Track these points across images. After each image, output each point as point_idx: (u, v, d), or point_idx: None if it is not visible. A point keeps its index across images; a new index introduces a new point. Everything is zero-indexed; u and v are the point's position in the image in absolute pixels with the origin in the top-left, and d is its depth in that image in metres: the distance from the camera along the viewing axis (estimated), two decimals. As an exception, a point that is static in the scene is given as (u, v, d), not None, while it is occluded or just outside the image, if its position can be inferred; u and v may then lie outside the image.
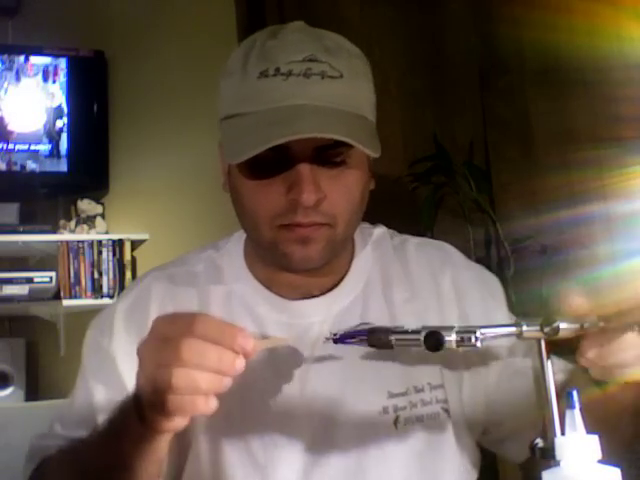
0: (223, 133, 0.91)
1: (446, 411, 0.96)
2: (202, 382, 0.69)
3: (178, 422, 0.74)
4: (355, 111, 0.88)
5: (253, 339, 0.72)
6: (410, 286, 1.00)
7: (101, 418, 0.93)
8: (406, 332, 0.78)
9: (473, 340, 0.74)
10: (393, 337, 0.78)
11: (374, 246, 1.03)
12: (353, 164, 0.89)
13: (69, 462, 0.90)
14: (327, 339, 0.83)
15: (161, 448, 0.79)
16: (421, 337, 0.75)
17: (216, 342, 0.70)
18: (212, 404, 0.71)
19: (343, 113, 0.87)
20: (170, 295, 0.98)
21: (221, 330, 0.71)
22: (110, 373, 0.96)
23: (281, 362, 0.93)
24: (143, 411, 0.74)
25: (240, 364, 0.71)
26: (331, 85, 0.86)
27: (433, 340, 0.75)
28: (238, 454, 0.93)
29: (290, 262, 0.90)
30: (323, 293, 0.97)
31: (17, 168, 2.84)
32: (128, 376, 0.94)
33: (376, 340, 0.78)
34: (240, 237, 1.02)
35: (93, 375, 0.97)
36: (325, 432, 0.93)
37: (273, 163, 0.86)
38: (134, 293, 1.01)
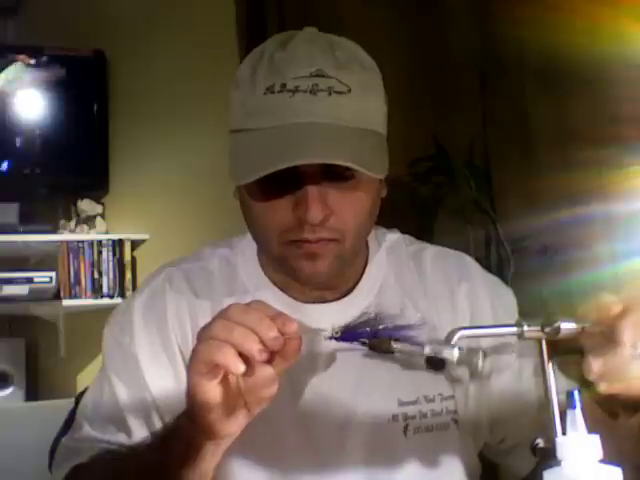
0: (230, 148, 0.91)
1: (456, 422, 0.96)
2: (237, 333, 0.74)
3: (217, 411, 0.76)
4: (364, 126, 0.87)
5: (296, 324, 0.76)
6: (425, 296, 1.00)
7: (128, 417, 0.95)
8: (408, 344, 0.77)
9: (474, 362, 0.76)
10: (395, 345, 0.77)
11: (388, 251, 1.03)
12: (363, 177, 0.87)
13: (106, 476, 0.92)
14: (330, 338, 0.83)
15: (206, 464, 0.81)
16: (424, 353, 0.75)
17: (261, 313, 0.76)
18: (239, 365, 0.73)
19: (350, 131, 0.85)
20: (186, 292, 0.99)
21: (270, 309, 0.77)
22: (133, 372, 0.97)
23: (293, 365, 0.93)
24: (187, 394, 0.78)
25: (276, 338, 0.74)
26: (338, 101, 0.85)
27: (437, 363, 0.75)
28: (245, 457, 0.93)
29: (299, 277, 0.90)
30: (337, 298, 0.97)
31: (17, 168, 2.84)
32: (150, 375, 0.96)
33: (377, 344, 0.78)
34: None
35: (116, 374, 0.98)
36: (336, 437, 0.94)
37: (279, 182, 0.85)
38: (150, 289, 1.01)
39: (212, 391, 0.76)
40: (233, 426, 0.79)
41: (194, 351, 0.76)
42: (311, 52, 0.87)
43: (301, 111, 0.84)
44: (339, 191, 0.87)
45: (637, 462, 0.85)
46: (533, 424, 0.90)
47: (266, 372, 0.78)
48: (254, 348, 0.74)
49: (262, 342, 0.74)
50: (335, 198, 0.86)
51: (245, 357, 0.74)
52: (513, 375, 0.99)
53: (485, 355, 0.76)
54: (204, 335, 0.76)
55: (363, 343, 0.79)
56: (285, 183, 0.85)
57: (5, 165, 2.82)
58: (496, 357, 0.99)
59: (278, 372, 0.79)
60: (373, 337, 0.79)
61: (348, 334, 0.81)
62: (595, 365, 0.72)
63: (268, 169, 0.82)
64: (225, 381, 0.77)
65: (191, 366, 0.77)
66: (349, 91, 0.86)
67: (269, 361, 0.77)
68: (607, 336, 0.71)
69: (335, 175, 0.86)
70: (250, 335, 0.74)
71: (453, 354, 0.74)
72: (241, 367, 0.74)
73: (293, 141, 0.83)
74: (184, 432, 0.81)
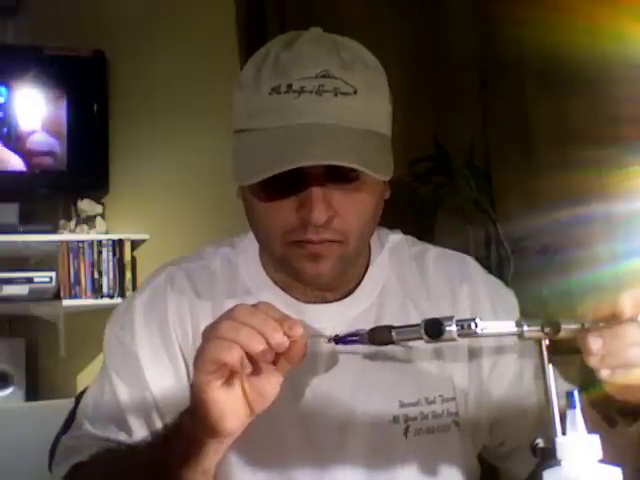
0: (233, 148, 0.91)
1: (457, 424, 0.96)
2: (243, 334, 0.74)
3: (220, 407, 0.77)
4: (369, 127, 0.87)
5: (302, 328, 0.77)
6: (427, 297, 1.00)
7: (129, 416, 0.95)
8: (406, 326, 0.78)
9: (473, 327, 0.75)
10: (394, 332, 0.78)
11: (391, 252, 1.02)
12: (367, 178, 0.87)
13: (106, 474, 0.92)
14: (328, 340, 0.83)
15: (208, 461, 0.82)
16: (422, 326, 0.76)
17: (267, 314, 0.77)
18: (247, 365, 0.75)
19: (355, 132, 0.85)
20: (187, 292, 0.99)
21: (277, 312, 0.77)
22: (133, 372, 0.97)
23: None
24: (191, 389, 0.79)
25: (282, 340, 0.75)
26: (344, 102, 0.85)
27: (435, 328, 0.76)
28: (246, 456, 0.93)
29: (302, 278, 0.90)
30: (338, 299, 0.97)
31: (17, 168, 2.84)
32: (150, 374, 0.96)
33: (377, 336, 0.79)
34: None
35: (117, 373, 0.98)
36: (337, 438, 0.94)
37: (283, 182, 0.84)
38: (151, 288, 1.00)
39: (218, 390, 0.77)
40: (236, 424, 0.80)
41: (200, 350, 0.77)
42: (317, 53, 0.87)
43: (306, 112, 0.84)
44: (343, 192, 0.86)
45: (637, 466, 0.85)
46: (532, 427, 0.90)
47: (270, 373, 0.79)
48: (259, 349, 0.74)
49: (268, 343, 0.74)
50: (339, 199, 0.86)
51: (250, 357, 0.75)
52: (513, 377, 0.99)
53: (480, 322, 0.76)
54: (211, 334, 0.76)
55: (362, 339, 0.80)
56: (289, 184, 0.85)
57: (5, 165, 2.82)
58: (496, 358, 0.99)
59: (282, 373, 0.80)
60: (371, 332, 0.79)
61: (348, 336, 0.81)
62: (595, 344, 0.70)
63: (273, 170, 0.82)
64: (230, 380, 0.78)
65: (198, 365, 0.77)
66: (355, 92, 0.85)
67: (273, 362, 0.77)
68: (608, 319, 0.71)
69: (339, 176, 0.86)
70: (256, 336, 0.74)
71: (452, 326, 0.76)
72: (248, 367, 0.75)
73: (298, 142, 0.83)
74: (187, 430, 0.81)
